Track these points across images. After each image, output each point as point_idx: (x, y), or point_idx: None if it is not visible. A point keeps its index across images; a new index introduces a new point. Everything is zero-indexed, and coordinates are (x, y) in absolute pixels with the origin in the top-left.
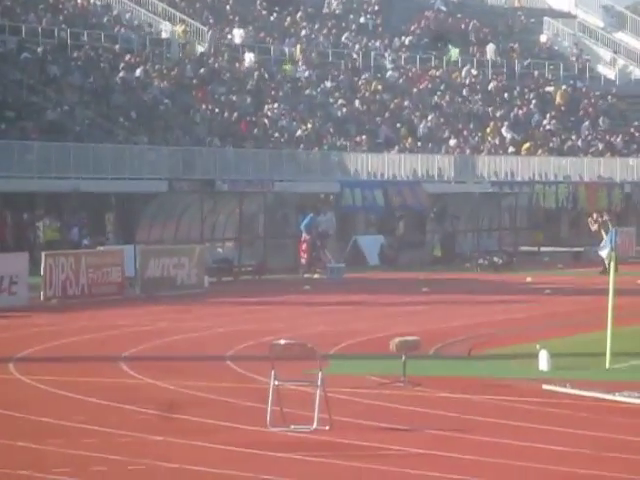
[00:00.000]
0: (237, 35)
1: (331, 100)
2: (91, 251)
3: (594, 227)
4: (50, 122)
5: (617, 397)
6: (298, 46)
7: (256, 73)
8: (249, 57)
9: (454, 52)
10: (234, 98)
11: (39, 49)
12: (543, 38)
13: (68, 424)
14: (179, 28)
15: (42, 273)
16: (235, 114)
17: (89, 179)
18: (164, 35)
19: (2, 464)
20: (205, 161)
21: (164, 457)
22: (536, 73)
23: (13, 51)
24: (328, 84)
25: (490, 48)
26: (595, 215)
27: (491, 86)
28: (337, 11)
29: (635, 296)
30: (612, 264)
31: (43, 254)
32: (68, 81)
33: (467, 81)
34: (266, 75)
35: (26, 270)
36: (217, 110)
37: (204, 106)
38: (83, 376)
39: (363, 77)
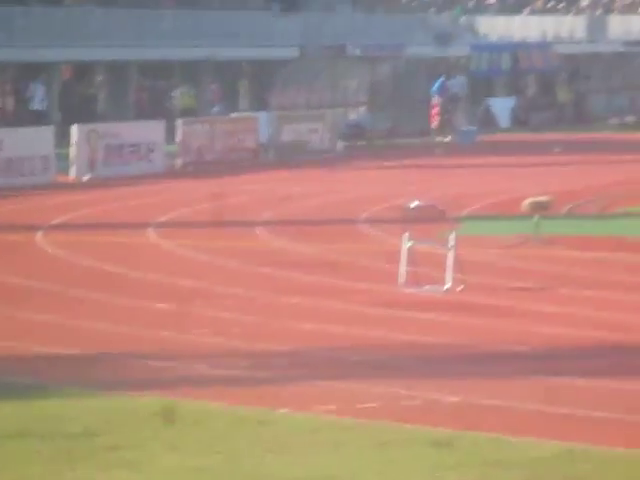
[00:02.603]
0: None
1: None
2: (225, 118)
3: None
4: None
5: None
6: None
7: None
8: None
9: None
10: None
11: None
12: None
13: (207, 286)
14: None
15: (178, 140)
16: None
17: (223, 47)
18: None
19: (145, 324)
20: (336, 27)
21: (299, 317)
22: None
23: None
24: None
25: None
26: None
27: None
28: None
29: None
30: None
31: (179, 121)
32: None
33: None
34: None
35: (163, 137)
36: None
37: None
38: (220, 240)
39: None
